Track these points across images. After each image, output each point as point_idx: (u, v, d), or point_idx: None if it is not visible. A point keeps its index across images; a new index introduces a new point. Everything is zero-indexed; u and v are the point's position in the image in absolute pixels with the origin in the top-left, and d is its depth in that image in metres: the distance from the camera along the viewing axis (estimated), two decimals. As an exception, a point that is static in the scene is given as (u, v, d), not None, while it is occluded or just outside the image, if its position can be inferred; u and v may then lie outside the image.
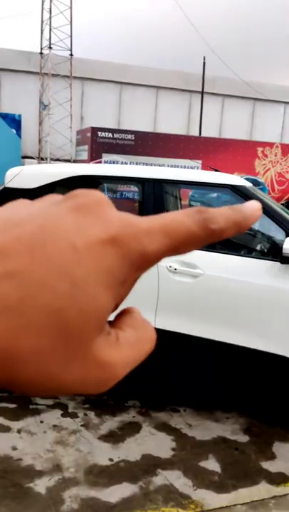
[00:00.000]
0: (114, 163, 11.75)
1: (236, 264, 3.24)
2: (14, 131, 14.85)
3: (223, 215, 0.26)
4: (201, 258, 3.23)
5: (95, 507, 2.41)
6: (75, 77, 18.50)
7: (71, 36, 17.52)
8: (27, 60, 19.18)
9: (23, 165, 14.70)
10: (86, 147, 13.53)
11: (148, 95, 21.60)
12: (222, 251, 3.47)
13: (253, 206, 0.28)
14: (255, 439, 3.13)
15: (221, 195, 6.45)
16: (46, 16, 17.44)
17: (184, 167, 12.27)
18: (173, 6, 20.15)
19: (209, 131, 19.62)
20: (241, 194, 3.33)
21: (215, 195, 10.17)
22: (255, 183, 13.38)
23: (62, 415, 3.27)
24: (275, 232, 3.30)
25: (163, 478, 2.67)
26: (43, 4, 17.35)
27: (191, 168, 12.39)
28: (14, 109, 17.18)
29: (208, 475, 2.73)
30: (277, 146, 14.43)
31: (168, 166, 11.39)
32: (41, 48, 18.23)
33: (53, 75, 17.60)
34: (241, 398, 3.62)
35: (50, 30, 17.26)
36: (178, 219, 0.25)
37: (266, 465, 2.85)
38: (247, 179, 12.47)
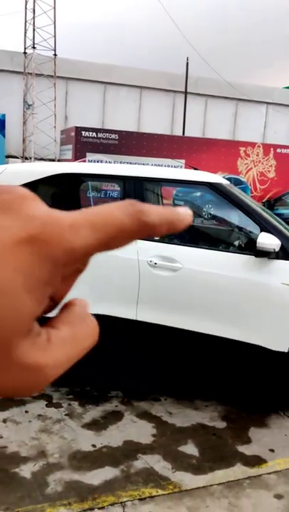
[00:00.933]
0: (98, 162, 11.85)
1: (214, 258, 3.38)
2: (-2, 130, 14.85)
3: (157, 210, 0.26)
4: (180, 253, 3.37)
5: (78, 489, 2.52)
6: (59, 77, 18.56)
7: (55, 36, 17.58)
8: (10, 60, 19.16)
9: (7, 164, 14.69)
10: (70, 146, 13.61)
11: (132, 95, 21.74)
12: (200, 246, 3.62)
13: (186, 211, 0.28)
14: (232, 425, 3.27)
15: (204, 194, 6.61)
16: (30, 15, 17.48)
17: (168, 166, 12.41)
18: (157, 8, 20.28)
19: (193, 131, 19.83)
20: (218, 191, 3.48)
21: (199, 194, 10.35)
22: (238, 182, 13.60)
23: (47, 405, 3.37)
24: (251, 228, 3.44)
25: (143, 462, 2.79)
26: (26, 4, 17.38)
27: (174, 167, 12.54)
28: (-2, 109, 17.18)
29: (186, 458, 2.86)
30: (259, 146, 14.68)
31: (151, 165, 11.53)
32: (25, 48, 18.26)
33: (37, 75, 17.64)
34: (220, 387, 3.77)
35: (34, 30, 17.30)
36: (107, 212, 0.25)
37: (242, 449, 3.00)
38: (229, 179, 12.71)
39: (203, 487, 2.61)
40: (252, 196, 12.92)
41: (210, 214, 5.33)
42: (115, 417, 3.29)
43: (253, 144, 14.64)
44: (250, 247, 3.32)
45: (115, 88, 21.39)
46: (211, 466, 2.79)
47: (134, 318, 3.39)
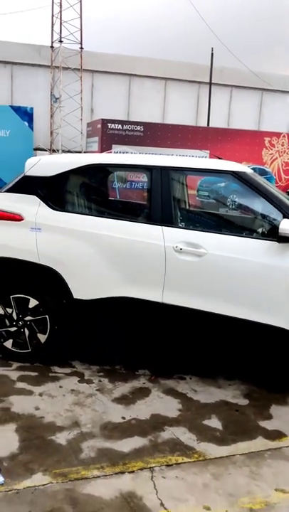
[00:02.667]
0: (124, 153, 12.03)
1: (237, 244, 3.52)
2: (26, 123, 15.16)
3: None
4: (204, 239, 3.52)
5: (109, 455, 2.74)
6: (85, 70, 18.77)
7: (81, 30, 17.77)
8: (38, 54, 19.47)
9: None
10: (96, 139, 13.83)
11: (156, 87, 21.79)
12: (224, 232, 3.77)
13: None
14: (254, 402, 3.44)
15: (229, 184, 6.71)
16: (56, 10, 17.70)
17: (192, 157, 12.51)
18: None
19: (218, 122, 19.80)
20: (242, 179, 3.62)
21: (223, 184, 10.42)
22: (263, 172, 13.60)
23: (79, 381, 3.60)
24: (274, 215, 3.56)
25: (170, 433, 2.99)
26: (54, -3, 17.61)
27: (199, 157, 12.63)
28: (26, 102, 17.51)
29: (210, 431, 3.04)
30: (284, 136, 14.61)
31: (176, 155, 11.65)
32: (52, 42, 18.52)
33: (64, 68, 17.88)
34: (243, 367, 3.93)
35: (61, 24, 17.51)
36: None
37: (263, 424, 3.16)
38: (254, 169, 12.73)
39: (226, 457, 2.79)
40: (277, 186, 12.92)
41: (234, 202, 5.45)
42: (143, 393, 3.49)
43: (278, 134, 14.60)
44: (273, 234, 3.44)
45: (140, 80, 21.49)
46: (234, 439, 2.97)
47: (161, 301, 3.57)
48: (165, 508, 2.34)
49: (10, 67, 19.95)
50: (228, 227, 4.40)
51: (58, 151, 17.91)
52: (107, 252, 3.60)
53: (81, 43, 18.01)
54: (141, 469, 2.63)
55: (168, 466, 2.67)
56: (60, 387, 3.51)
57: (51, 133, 18.85)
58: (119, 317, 3.73)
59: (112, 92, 20.83)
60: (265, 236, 3.56)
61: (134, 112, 21.21)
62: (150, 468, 2.64)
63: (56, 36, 17.96)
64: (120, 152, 12.43)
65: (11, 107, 15.87)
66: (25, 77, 19.81)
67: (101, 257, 3.60)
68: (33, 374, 3.67)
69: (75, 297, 3.68)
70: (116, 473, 2.58)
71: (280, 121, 22.60)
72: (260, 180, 3.82)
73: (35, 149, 16.76)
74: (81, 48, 18.14)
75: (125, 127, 13.50)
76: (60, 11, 17.46)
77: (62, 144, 18.19)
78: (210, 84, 19.45)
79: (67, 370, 3.77)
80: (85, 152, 15.92)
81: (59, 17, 17.57)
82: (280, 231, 3.29)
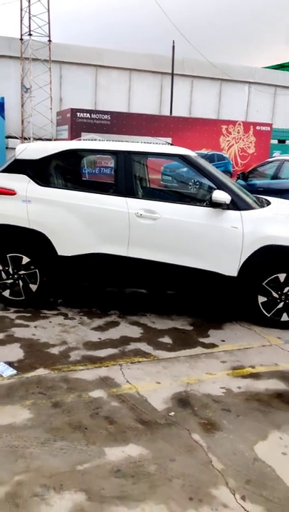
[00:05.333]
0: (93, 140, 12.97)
1: (184, 210, 4.62)
2: (-2, 113, 15.81)
3: None
4: (159, 206, 4.61)
5: (90, 358, 3.81)
6: (54, 62, 19.52)
7: (49, 23, 18.48)
8: (8, 46, 20.05)
9: (7, 144, 15.74)
10: (66, 127, 14.68)
11: (122, 77, 22.69)
12: (174, 201, 4.86)
13: None
14: (197, 328, 4.58)
15: (182, 166, 7.84)
16: (25, 4, 18.32)
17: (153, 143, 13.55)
18: (144, -10, 21.01)
19: (180, 111, 20.90)
20: (187, 161, 4.72)
21: (185, 169, 11.56)
22: (221, 157, 14.82)
23: (64, 319, 4.65)
24: (210, 188, 4.68)
25: (134, 346, 4.09)
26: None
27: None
28: (-3, 92, 18.13)
29: (163, 344, 4.16)
30: (239, 124, 15.83)
31: (141, 142, 12.67)
32: (21, 35, 19.14)
33: (33, 60, 18.57)
34: (191, 305, 5.08)
35: (30, 18, 18.15)
36: None
37: (202, 339, 4.31)
38: (213, 155, 13.98)
39: (174, 357, 3.91)
40: (234, 170, 14.15)
41: (183, 179, 6.54)
42: (114, 324, 4.58)
43: (234, 122, 15.80)
44: (208, 201, 4.56)
45: (106, 71, 22.34)
46: (180, 348, 4.10)
47: (127, 255, 4.64)
48: (129, 383, 3.44)
49: (-20, 58, 20.45)
50: (177, 198, 5.52)
51: (29, 138, 18.68)
52: (84, 218, 4.64)
53: (49, 36, 18.75)
54: (113, 365, 3.72)
55: (132, 363, 3.78)
56: (50, 322, 4.56)
57: (22, 121, 19.56)
58: (94, 269, 4.79)
59: (79, 83, 21.62)
60: (203, 203, 4.67)
61: (101, 102, 22.08)
62: (120, 364, 3.74)
63: (25, 29, 18.61)
64: (89, 139, 13.36)
65: (-18, 96, 16.47)
66: (-4, 68, 20.38)
67: (79, 222, 4.65)
68: (28, 315, 4.70)
69: (59, 254, 4.72)
70: (95, 367, 3.67)
71: (238, 110, 23.91)
72: (202, 161, 4.94)
73: (7, 137, 17.44)
74: (49, 40, 18.86)
75: (93, 116, 14.41)
76: (29, 6, 18.10)
77: (33, 132, 18.95)
78: (172, 74, 20.47)
79: (54, 312, 4.82)
80: (55, 140, 16.71)
81: (28, 11, 18.21)
82: (212, 199, 4.42)
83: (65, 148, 4.84)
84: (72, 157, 4.90)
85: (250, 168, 10.39)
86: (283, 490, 2.41)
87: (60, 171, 5.00)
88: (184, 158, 4.75)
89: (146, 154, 5.07)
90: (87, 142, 5.12)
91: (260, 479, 2.48)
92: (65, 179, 5.01)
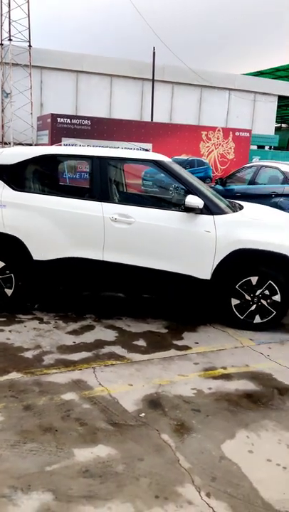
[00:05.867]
0: (73, 146, 13.00)
1: (158, 214, 4.69)
2: (-22, 118, 15.75)
3: None
4: (133, 211, 4.66)
5: (64, 362, 3.84)
6: (34, 67, 19.52)
7: (29, 29, 18.50)
8: (-13, 51, 20.00)
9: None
10: (47, 132, 14.69)
11: (103, 83, 22.80)
12: (148, 206, 4.93)
13: None
14: (172, 331, 4.63)
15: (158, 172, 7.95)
16: (5, 9, 18.31)
17: (136, 149, 13.65)
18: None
19: (161, 117, 21.07)
20: (160, 166, 4.80)
21: (163, 175, 11.67)
22: (201, 163, 14.99)
23: (39, 323, 4.67)
24: (183, 192, 4.76)
25: (108, 349, 4.13)
26: (1, -2, 18.22)
27: (143, 149, 13.80)
28: (-23, 97, 18.08)
29: (137, 347, 4.20)
30: (219, 130, 16.03)
31: (121, 148, 12.75)
32: (1, 40, 19.12)
33: (14, 65, 18.55)
34: (166, 308, 5.14)
35: (10, 23, 18.15)
36: None
37: (176, 342, 4.36)
38: (193, 160, 14.14)
39: (147, 360, 3.96)
40: (214, 176, 14.32)
41: (158, 184, 6.62)
42: (89, 328, 4.61)
43: (213, 128, 15.99)
44: (182, 206, 4.64)
45: (87, 76, 22.43)
46: (154, 351, 4.15)
47: (102, 259, 4.69)
48: (102, 386, 3.48)
49: None
50: (152, 203, 5.59)
51: (9, 143, 18.61)
52: (58, 223, 4.68)
53: (29, 41, 18.75)
54: (86, 368, 3.75)
55: (106, 366, 3.81)
56: (25, 326, 4.57)
57: (2, 126, 19.52)
58: (70, 273, 4.82)
59: (60, 88, 21.65)
60: (177, 208, 4.74)
61: (82, 107, 22.14)
62: (93, 367, 3.77)
63: (5, 34, 18.60)
64: (69, 145, 13.38)
65: None
66: (-25, 73, 20.29)
67: (54, 226, 4.67)
68: (3, 319, 4.70)
69: (34, 259, 4.74)
70: (68, 371, 3.69)
71: (219, 116, 24.20)
72: (176, 166, 5.02)
73: (-13, 142, 17.39)
74: (29, 45, 18.86)
75: (74, 121, 14.45)
76: (9, 11, 18.11)
77: (14, 136, 18.91)
78: (152, 81, 20.64)
79: (30, 316, 4.83)
80: (35, 145, 16.69)
81: (8, 16, 18.21)
82: (186, 203, 4.49)
83: (39, 154, 4.87)
84: (48, 162, 4.94)
85: (229, 174, 10.53)
86: (247, 487, 2.47)
87: (36, 176, 5.03)
88: (157, 164, 4.82)
89: (120, 160, 5.12)
90: (62, 148, 5.17)
91: (225, 477, 2.54)
92: (41, 184, 5.03)
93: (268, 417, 3.16)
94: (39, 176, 5.07)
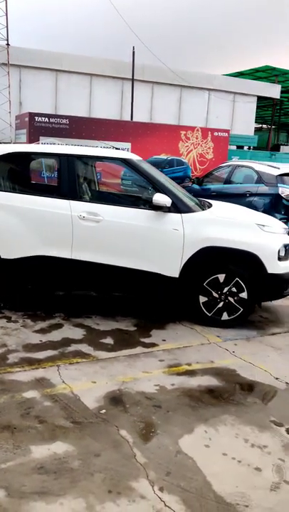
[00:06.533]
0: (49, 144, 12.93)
1: (126, 212, 4.70)
2: None
3: None
4: (101, 208, 4.67)
5: (28, 361, 3.82)
6: (13, 65, 19.37)
7: (7, 27, 18.36)
8: None
9: None
10: (25, 131, 14.59)
11: (82, 82, 22.73)
12: (116, 204, 4.93)
13: None
14: (140, 329, 4.64)
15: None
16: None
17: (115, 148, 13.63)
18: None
19: (141, 116, 21.09)
20: (128, 164, 4.81)
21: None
22: (180, 163, 15.04)
23: (7, 322, 4.64)
24: (151, 191, 4.77)
25: (75, 347, 4.12)
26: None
27: (122, 149, 13.80)
28: None
29: (104, 345, 4.21)
30: (198, 130, 16.12)
31: (100, 147, 12.73)
32: (-21, 38, 18.96)
33: (-9, 63, 18.40)
34: (135, 306, 5.15)
35: (-13, 21, 18.00)
36: None
37: (144, 339, 4.38)
38: (172, 160, 14.16)
39: (113, 358, 3.97)
40: (192, 175, 14.38)
41: (128, 182, 6.63)
42: (57, 326, 4.59)
43: (192, 128, 16.08)
44: (150, 204, 4.65)
45: (67, 75, 22.34)
46: (120, 348, 4.15)
47: (70, 257, 4.68)
48: (65, 383, 3.47)
49: None
50: (120, 201, 5.60)
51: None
52: (27, 221, 4.65)
53: (7, 40, 18.61)
54: (51, 366, 3.74)
55: (70, 364, 3.81)
56: (-8, 325, 4.54)
57: (-20, 125, 19.31)
58: (38, 272, 4.80)
59: (39, 87, 21.54)
60: (145, 206, 4.76)
61: (62, 106, 22.04)
62: (57, 365, 3.76)
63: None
64: (47, 143, 13.31)
65: None
66: None
67: (22, 225, 4.65)
68: None
69: (2, 257, 4.71)
70: (32, 369, 3.68)
71: (199, 116, 24.32)
72: (144, 165, 5.03)
73: None
74: (8, 44, 18.72)
75: (52, 120, 14.38)
76: (-14, 9, 17.96)
77: (-8, 135, 18.73)
78: (132, 80, 20.65)
79: (-2, 315, 4.80)
80: (14, 143, 16.56)
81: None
82: (153, 201, 4.51)
83: (7, 151, 4.85)
84: (15, 160, 4.91)
85: (206, 173, 10.59)
86: (201, 480, 2.50)
87: (4, 174, 4.99)
88: (126, 162, 4.83)
89: (88, 158, 5.12)
90: (31, 145, 5.15)
91: (180, 471, 2.56)
92: (9, 182, 5.00)
93: (227, 412, 3.19)
94: (7, 173, 5.03)
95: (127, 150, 13.88)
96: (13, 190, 4.92)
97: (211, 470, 2.58)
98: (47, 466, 2.54)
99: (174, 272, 4.63)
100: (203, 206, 5.10)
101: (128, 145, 14.17)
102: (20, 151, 4.93)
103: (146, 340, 4.39)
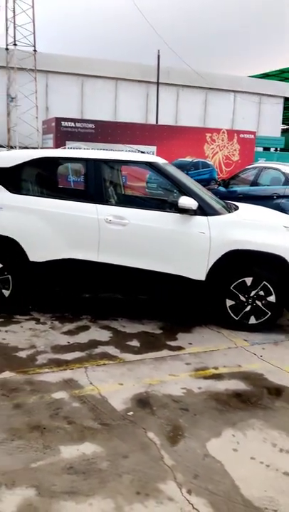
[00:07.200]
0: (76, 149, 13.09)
1: (152, 216, 4.73)
2: (-16, 122, 15.95)
3: None
4: (127, 212, 4.71)
5: (57, 362, 3.88)
6: (40, 71, 19.69)
7: (34, 33, 18.71)
8: (-7, 56, 20.23)
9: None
10: (51, 135, 14.82)
11: (108, 86, 22.92)
12: (142, 207, 4.96)
13: None
14: (166, 332, 4.66)
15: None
16: (10, 14, 18.55)
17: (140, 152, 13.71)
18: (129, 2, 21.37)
19: (166, 119, 21.12)
20: (154, 168, 4.84)
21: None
22: (205, 165, 15.01)
23: (36, 323, 4.72)
24: (177, 194, 4.79)
25: (102, 349, 4.17)
26: (6, 3, 18.44)
27: (147, 153, 13.88)
28: (-17, 102, 18.30)
29: (131, 348, 4.24)
30: (223, 132, 16.05)
31: (125, 151, 12.83)
32: (7, 45, 19.34)
33: (19, 69, 18.73)
34: (162, 309, 5.17)
35: (15, 28, 18.36)
36: None
37: (170, 343, 4.39)
38: (197, 162, 14.18)
39: (140, 360, 3.99)
40: (218, 177, 14.33)
41: (154, 185, 6.65)
42: (84, 328, 4.65)
43: (218, 130, 16.03)
44: (176, 207, 4.66)
45: (92, 80, 22.57)
46: (147, 351, 4.17)
47: (97, 260, 4.73)
48: (92, 385, 3.51)
49: None
50: (146, 204, 5.63)
51: (15, 147, 18.77)
52: (54, 225, 4.73)
53: (34, 46, 18.95)
54: (78, 367, 3.79)
55: (98, 365, 3.85)
56: (21, 327, 4.62)
57: (8, 130, 19.69)
58: (65, 274, 4.87)
59: (65, 92, 21.83)
60: (171, 209, 4.76)
61: (88, 111, 22.28)
62: (85, 367, 3.81)
63: (10, 39, 18.82)
64: (74, 148, 13.48)
65: None
66: (-19, 78, 20.51)
67: (50, 228, 4.73)
68: (0, 320, 4.77)
69: (30, 260, 4.79)
70: (60, 370, 3.73)
71: (224, 118, 24.20)
72: (170, 168, 5.05)
73: (-6, 146, 17.57)
74: (34, 50, 19.06)
75: (78, 125, 14.56)
76: (14, 16, 18.32)
77: (20, 140, 19.07)
78: (157, 84, 20.72)
79: (27, 317, 4.88)
80: (41, 148, 16.84)
81: (13, 21, 18.43)
82: (179, 205, 4.53)
83: (35, 157, 4.94)
84: (43, 165, 5.00)
85: (232, 175, 10.54)
86: (229, 484, 2.49)
87: (32, 178, 5.09)
88: (151, 166, 4.86)
89: (115, 162, 5.17)
90: (57, 150, 5.23)
91: (207, 474, 2.56)
92: (37, 187, 5.09)
93: (255, 416, 3.17)
94: (35, 178, 5.12)
95: (153, 153, 13.94)
96: (42, 195, 5.01)
97: (239, 474, 2.57)
98: (76, 466, 2.58)
99: (201, 275, 4.62)
100: (230, 209, 5.09)
101: (154, 148, 14.23)
102: (47, 156, 5.01)
103: (173, 343, 4.39)
